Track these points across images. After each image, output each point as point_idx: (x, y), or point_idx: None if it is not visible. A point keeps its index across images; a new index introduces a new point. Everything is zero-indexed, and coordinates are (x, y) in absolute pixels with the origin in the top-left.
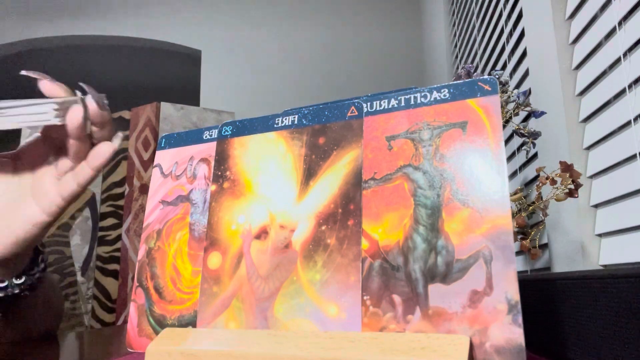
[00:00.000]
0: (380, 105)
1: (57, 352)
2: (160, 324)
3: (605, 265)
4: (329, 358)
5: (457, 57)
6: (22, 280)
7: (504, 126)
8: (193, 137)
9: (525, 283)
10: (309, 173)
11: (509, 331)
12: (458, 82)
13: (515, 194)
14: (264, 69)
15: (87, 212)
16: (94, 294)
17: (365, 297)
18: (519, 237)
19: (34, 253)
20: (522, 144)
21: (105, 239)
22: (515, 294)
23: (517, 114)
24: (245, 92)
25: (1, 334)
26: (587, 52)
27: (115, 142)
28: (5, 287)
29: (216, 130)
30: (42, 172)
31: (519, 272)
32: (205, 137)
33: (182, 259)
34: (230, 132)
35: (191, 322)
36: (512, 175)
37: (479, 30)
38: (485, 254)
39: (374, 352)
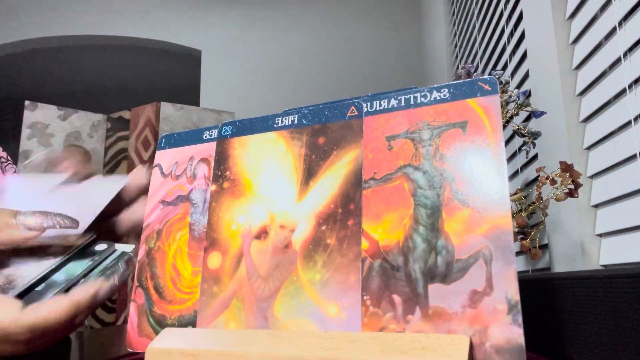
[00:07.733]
0: (380, 105)
1: (58, 351)
2: (160, 324)
3: (605, 265)
4: (329, 358)
5: (457, 57)
6: None
7: (504, 126)
8: (193, 137)
9: (525, 283)
10: (309, 173)
11: (509, 331)
12: (458, 82)
13: (515, 194)
14: (264, 69)
15: None
16: None
17: (365, 297)
18: (519, 237)
19: None
20: (523, 144)
21: None
22: (515, 294)
23: (517, 114)
24: (245, 92)
25: None
26: (587, 52)
27: None
28: None
29: (216, 130)
30: None
31: (519, 272)
32: (205, 137)
33: (182, 259)
34: (230, 132)
35: (191, 322)
36: (513, 175)
37: (479, 31)
38: (485, 254)
39: (374, 352)
